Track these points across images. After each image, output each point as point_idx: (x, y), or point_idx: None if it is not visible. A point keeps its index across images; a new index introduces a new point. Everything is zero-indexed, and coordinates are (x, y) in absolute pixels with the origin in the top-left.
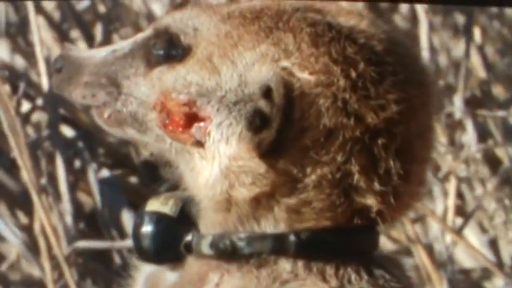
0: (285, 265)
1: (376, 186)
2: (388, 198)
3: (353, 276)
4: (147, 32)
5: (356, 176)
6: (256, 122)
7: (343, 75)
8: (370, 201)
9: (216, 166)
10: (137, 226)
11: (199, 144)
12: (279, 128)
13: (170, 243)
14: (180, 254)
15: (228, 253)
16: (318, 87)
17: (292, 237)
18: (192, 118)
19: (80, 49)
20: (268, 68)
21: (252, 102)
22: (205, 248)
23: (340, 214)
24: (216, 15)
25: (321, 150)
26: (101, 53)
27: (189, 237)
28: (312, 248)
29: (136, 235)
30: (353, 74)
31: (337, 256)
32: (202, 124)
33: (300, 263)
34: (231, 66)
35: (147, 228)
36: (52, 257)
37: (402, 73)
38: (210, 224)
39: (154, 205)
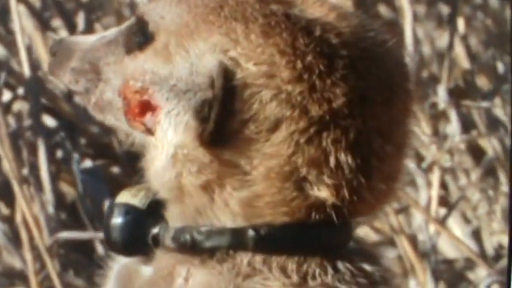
0: (244, 260)
1: (328, 179)
2: (343, 192)
3: (317, 272)
4: (132, 19)
5: (305, 169)
6: (204, 112)
7: (288, 67)
8: (324, 194)
9: (164, 154)
10: (107, 217)
11: (151, 132)
12: (218, 118)
13: (138, 235)
14: (149, 247)
15: (188, 247)
16: (262, 78)
17: (250, 232)
18: (145, 106)
19: (79, 35)
20: (216, 58)
21: (201, 92)
22: (169, 241)
23: (296, 209)
24: (184, 4)
25: (266, 142)
26: (91, 39)
27: (156, 230)
28: (271, 243)
29: (106, 226)
30: (299, 66)
31: (299, 251)
32: (154, 112)
33: (259, 258)
34: (184, 56)
35: (115, 220)
36: (34, 248)
37: (360, 67)
38: (172, 217)
39: (124, 197)
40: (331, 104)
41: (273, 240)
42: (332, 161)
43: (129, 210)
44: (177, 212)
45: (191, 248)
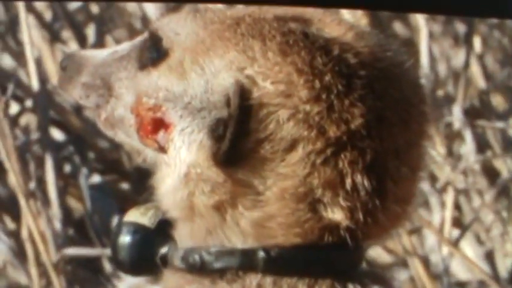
0: (253, 281)
1: (343, 201)
2: (357, 215)
3: None
4: (145, 34)
5: (320, 191)
6: (219, 131)
7: (306, 86)
8: (338, 216)
9: (176, 173)
10: (115, 236)
11: (163, 150)
12: (233, 137)
13: (146, 255)
14: (157, 267)
15: (197, 267)
16: (278, 98)
17: (261, 253)
18: (158, 123)
19: (89, 50)
20: (232, 75)
21: (216, 110)
22: (178, 262)
23: (309, 230)
24: (199, 20)
25: (281, 162)
26: (103, 54)
27: (164, 250)
28: (282, 264)
29: (114, 245)
30: (317, 85)
31: (310, 273)
32: (167, 130)
33: (270, 280)
34: (199, 73)
35: (124, 239)
36: (40, 264)
37: (377, 88)
38: (181, 237)
39: (133, 215)
40: (349, 125)
41: (283, 262)
42: (348, 182)
43: (138, 229)
44: (187, 232)
45: (200, 268)
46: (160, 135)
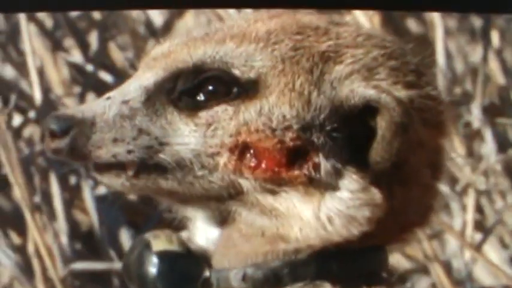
0: None
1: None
2: None
3: None
4: (156, 75)
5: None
6: (364, 146)
7: (430, 88)
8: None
9: (329, 201)
10: (145, 267)
11: (309, 180)
12: (390, 148)
13: (187, 280)
14: None
15: (269, 283)
16: (414, 100)
17: (333, 261)
18: (294, 153)
19: (71, 108)
20: (359, 88)
21: (353, 125)
22: (236, 282)
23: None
24: (261, 41)
25: (420, 163)
26: (110, 108)
27: (206, 273)
28: (345, 269)
29: (146, 277)
30: (435, 83)
31: (363, 276)
32: (307, 158)
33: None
34: (318, 92)
35: (162, 268)
36: (47, 279)
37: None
38: (238, 257)
39: (161, 244)
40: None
41: (348, 267)
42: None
43: (174, 256)
44: (260, 251)
45: (274, 284)
46: (299, 166)
